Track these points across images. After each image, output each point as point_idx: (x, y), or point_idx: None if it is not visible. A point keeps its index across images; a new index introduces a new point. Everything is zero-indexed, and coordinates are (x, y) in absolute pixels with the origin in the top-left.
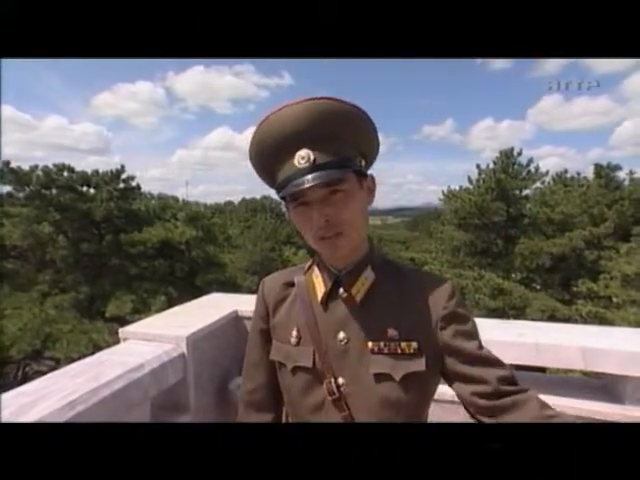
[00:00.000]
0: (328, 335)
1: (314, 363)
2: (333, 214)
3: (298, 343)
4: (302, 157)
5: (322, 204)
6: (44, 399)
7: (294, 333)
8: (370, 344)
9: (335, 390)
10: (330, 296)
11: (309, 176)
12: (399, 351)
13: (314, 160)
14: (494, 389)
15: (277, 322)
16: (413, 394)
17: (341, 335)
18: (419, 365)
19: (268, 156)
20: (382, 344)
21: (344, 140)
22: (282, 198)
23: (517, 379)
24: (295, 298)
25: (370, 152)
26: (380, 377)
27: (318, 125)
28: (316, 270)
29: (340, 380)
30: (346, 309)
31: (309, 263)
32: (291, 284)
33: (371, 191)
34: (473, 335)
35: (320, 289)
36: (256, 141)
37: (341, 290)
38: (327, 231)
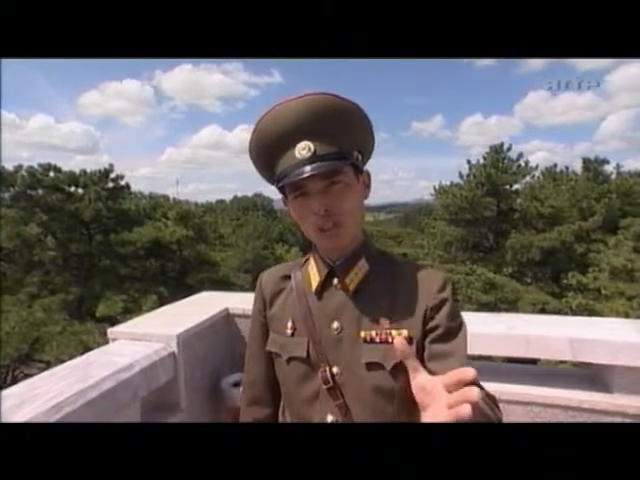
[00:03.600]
0: (322, 325)
1: (308, 353)
2: (332, 204)
3: (293, 334)
4: (303, 148)
5: (322, 194)
6: (29, 402)
7: (289, 324)
8: (362, 333)
9: (330, 379)
10: (324, 286)
11: (310, 166)
12: (390, 339)
13: (314, 151)
14: None
15: (273, 314)
16: (405, 383)
17: (335, 324)
18: None
19: (269, 148)
20: (374, 333)
21: (343, 134)
22: (281, 190)
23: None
24: (291, 290)
25: (366, 148)
26: (371, 366)
27: (319, 119)
28: (312, 262)
29: (335, 369)
30: (340, 299)
31: (306, 257)
32: (288, 277)
33: (367, 186)
34: (452, 334)
35: (315, 280)
36: (258, 133)
37: (335, 280)
38: (326, 221)
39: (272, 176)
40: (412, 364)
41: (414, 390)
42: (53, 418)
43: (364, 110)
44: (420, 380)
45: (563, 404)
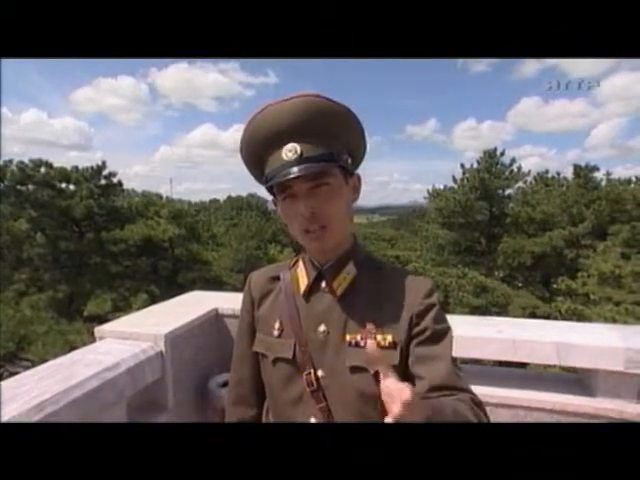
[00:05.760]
0: (309, 327)
1: (294, 355)
2: (318, 207)
3: (280, 335)
4: (289, 150)
5: (308, 196)
6: (10, 401)
7: (276, 325)
8: (347, 337)
9: (314, 382)
10: (312, 289)
11: (295, 168)
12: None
13: (301, 153)
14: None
15: (261, 315)
16: None
17: (321, 327)
18: (393, 358)
19: (259, 148)
20: (359, 337)
21: (332, 137)
22: (270, 191)
23: (460, 387)
24: (280, 292)
25: (357, 151)
26: (355, 370)
27: (308, 121)
28: (301, 265)
29: (319, 372)
30: (327, 302)
31: (295, 259)
32: (277, 278)
33: (356, 189)
34: (439, 337)
35: (303, 282)
36: (249, 133)
37: (323, 284)
38: (312, 223)
39: (262, 176)
40: (383, 369)
41: (382, 394)
42: (35, 417)
43: (355, 113)
44: (388, 384)
45: (548, 408)
